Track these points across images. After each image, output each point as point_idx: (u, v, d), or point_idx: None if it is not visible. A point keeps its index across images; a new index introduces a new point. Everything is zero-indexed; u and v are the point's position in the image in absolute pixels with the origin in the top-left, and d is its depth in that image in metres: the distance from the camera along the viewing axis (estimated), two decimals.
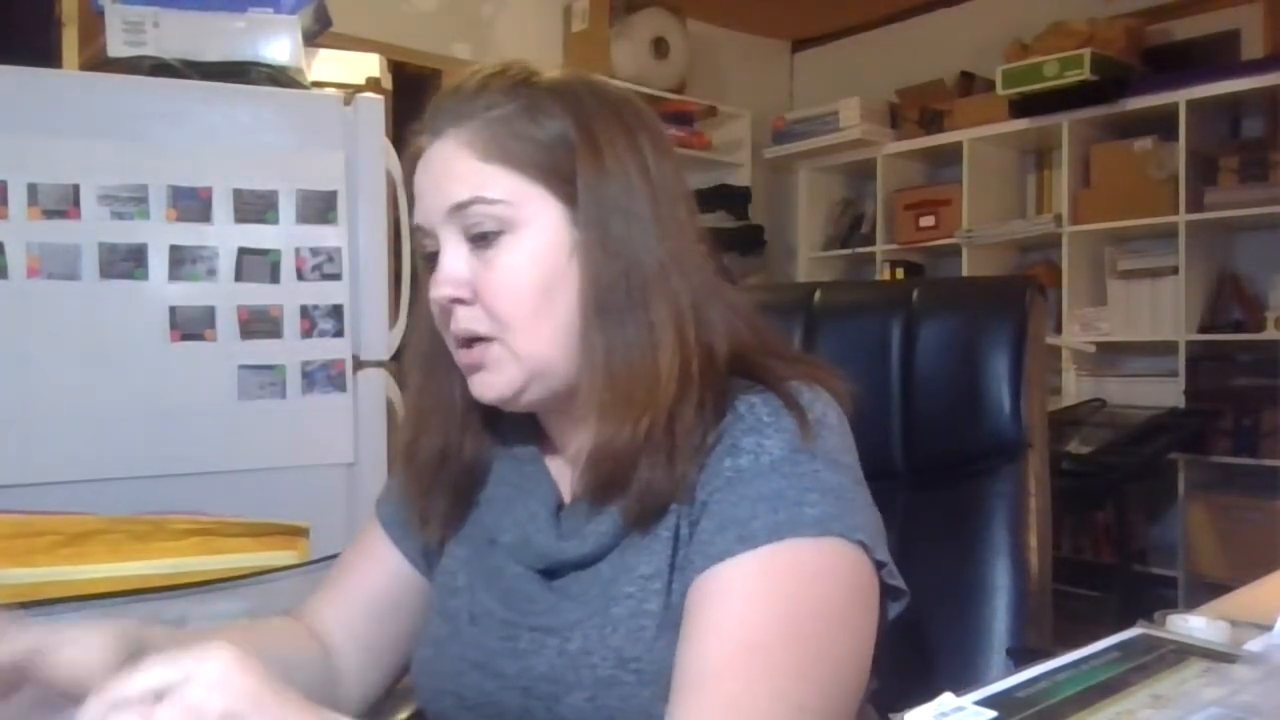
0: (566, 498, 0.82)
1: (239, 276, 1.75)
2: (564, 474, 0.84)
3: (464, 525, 0.87)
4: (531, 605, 0.79)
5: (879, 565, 0.73)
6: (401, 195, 1.96)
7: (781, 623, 0.67)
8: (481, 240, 0.76)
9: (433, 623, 0.86)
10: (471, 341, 0.77)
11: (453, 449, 0.85)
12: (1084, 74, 3.31)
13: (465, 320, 0.76)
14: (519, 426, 0.85)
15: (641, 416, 0.73)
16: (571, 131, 0.76)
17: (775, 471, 0.71)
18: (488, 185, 0.75)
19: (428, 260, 0.80)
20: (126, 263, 1.67)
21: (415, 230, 0.81)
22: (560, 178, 0.76)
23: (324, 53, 2.02)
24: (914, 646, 0.98)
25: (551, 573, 0.79)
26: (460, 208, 0.76)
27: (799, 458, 0.72)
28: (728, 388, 0.76)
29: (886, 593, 0.75)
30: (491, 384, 0.77)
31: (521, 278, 0.75)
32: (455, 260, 0.76)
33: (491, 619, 0.81)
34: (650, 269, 0.75)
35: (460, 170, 0.76)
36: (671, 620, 0.71)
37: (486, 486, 0.86)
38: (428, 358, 0.85)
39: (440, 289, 0.76)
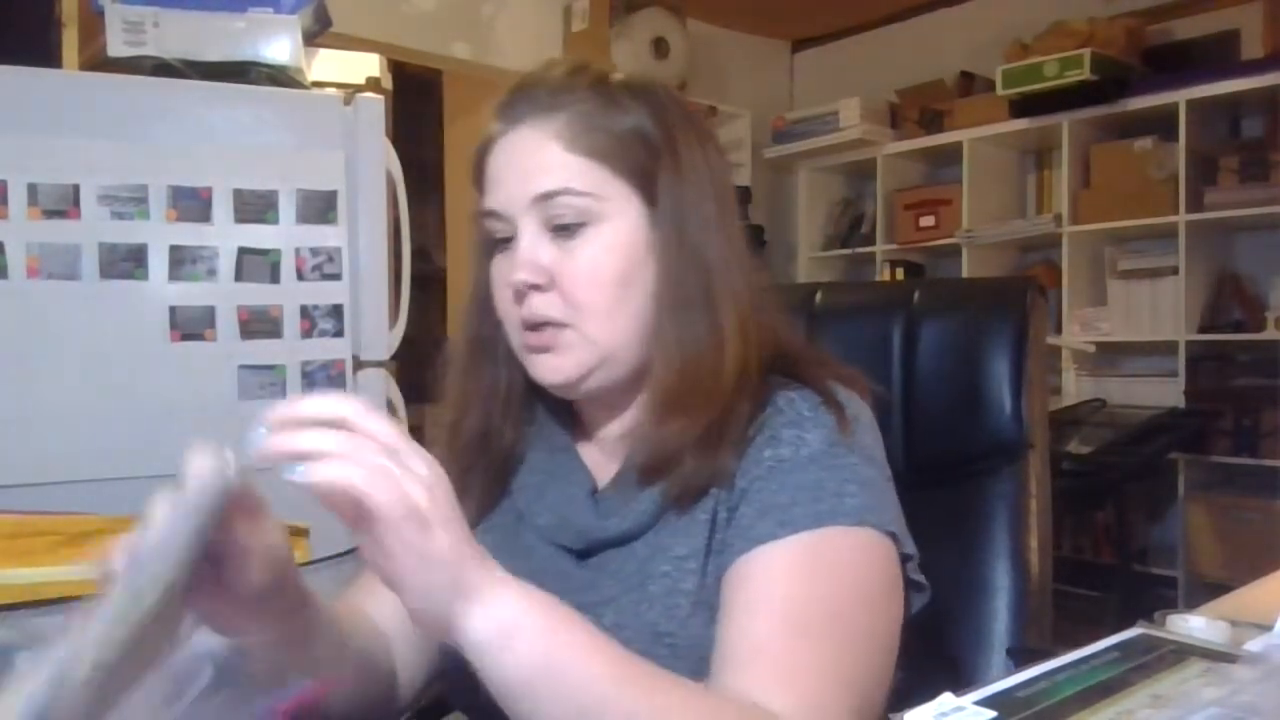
0: (600, 483, 0.85)
1: (239, 276, 1.75)
2: (596, 461, 0.86)
3: (494, 512, 0.89)
4: (565, 584, 0.80)
5: (904, 559, 0.77)
6: (402, 195, 1.97)
7: (824, 603, 0.70)
8: (563, 230, 0.78)
9: None
10: (540, 325, 0.79)
11: (494, 432, 0.87)
12: (1084, 74, 3.31)
13: (539, 305, 0.78)
14: (553, 416, 0.88)
15: (705, 408, 0.77)
16: (654, 132, 0.80)
17: (815, 463, 0.75)
18: (577, 177, 0.78)
19: (495, 245, 0.82)
20: (126, 263, 1.67)
21: (486, 214, 0.82)
22: (640, 175, 0.79)
23: (324, 53, 2.02)
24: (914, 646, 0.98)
25: (585, 553, 0.82)
26: (547, 197, 0.78)
27: (837, 451, 0.76)
28: (767, 383, 0.80)
29: (909, 586, 0.78)
30: (559, 367, 0.79)
31: (602, 268, 0.78)
32: (535, 247, 0.78)
33: None
34: (717, 269, 0.79)
35: (549, 160, 0.78)
36: (705, 600, 0.74)
37: (519, 474, 0.88)
38: (476, 341, 0.87)
39: (518, 273, 0.78)
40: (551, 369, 0.80)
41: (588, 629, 0.65)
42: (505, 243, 0.80)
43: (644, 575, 0.77)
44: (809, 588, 0.71)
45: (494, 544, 0.86)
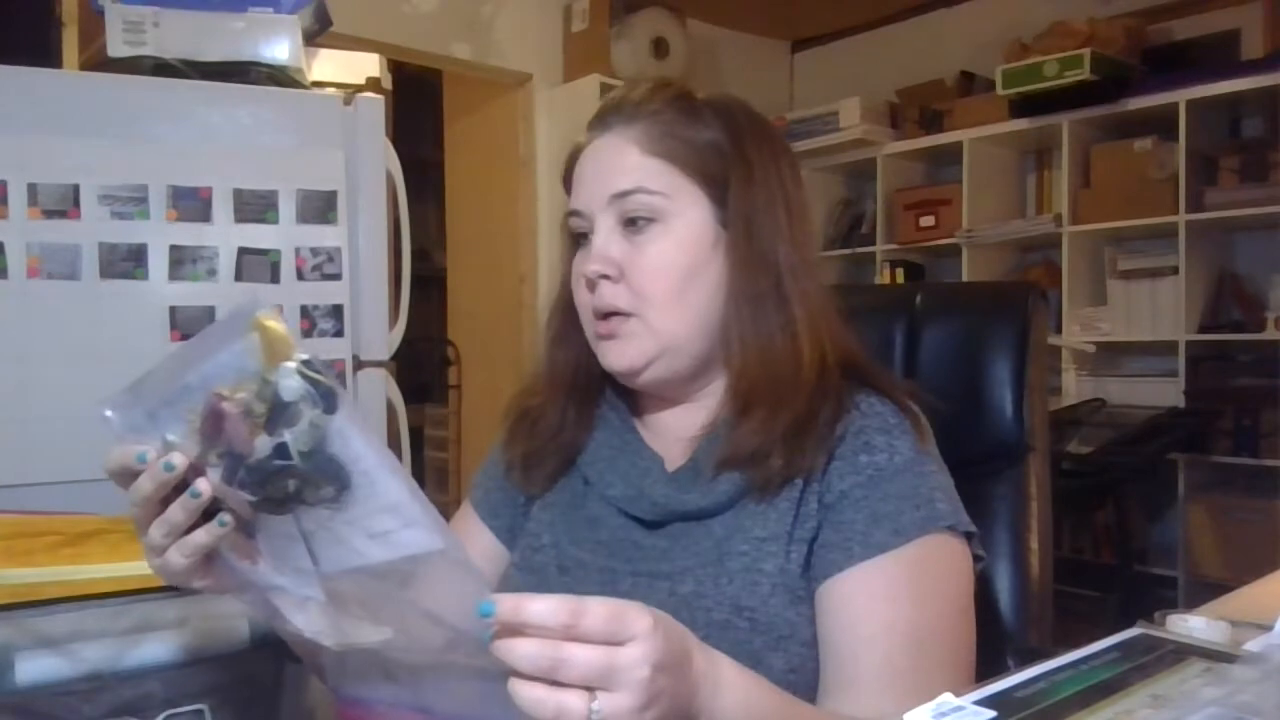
0: (668, 467, 0.88)
1: (239, 276, 1.75)
2: (657, 447, 0.90)
3: (555, 489, 0.93)
4: (636, 552, 0.85)
5: (975, 559, 0.84)
6: (402, 195, 1.97)
7: (940, 618, 0.77)
8: (633, 225, 0.85)
9: (512, 580, 0.90)
10: (609, 315, 0.85)
11: (570, 415, 0.92)
12: (1084, 74, 3.31)
13: (609, 295, 0.84)
14: (616, 408, 0.93)
15: (787, 401, 0.81)
16: (726, 144, 0.86)
17: (909, 470, 0.80)
18: (650, 178, 0.84)
19: (575, 240, 0.89)
20: (126, 263, 1.67)
21: (570, 215, 0.89)
22: (711, 180, 0.86)
23: (324, 53, 2.02)
24: None
25: (656, 524, 0.85)
26: (622, 195, 0.84)
27: (923, 458, 0.82)
28: (846, 385, 0.85)
29: None
30: (624, 353, 0.85)
31: (667, 262, 0.84)
32: (609, 241, 0.85)
33: (584, 568, 0.86)
34: (786, 271, 0.85)
35: (626, 162, 0.85)
36: (786, 583, 0.79)
37: (586, 451, 0.92)
38: (561, 331, 0.94)
39: (591, 265, 0.84)
40: (617, 354, 0.85)
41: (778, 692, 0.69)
42: (585, 238, 0.87)
43: (721, 552, 0.81)
44: (924, 604, 0.76)
45: (550, 520, 0.91)
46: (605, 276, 0.84)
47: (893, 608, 0.76)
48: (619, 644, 0.56)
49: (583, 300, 0.87)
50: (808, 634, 0.78)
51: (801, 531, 0.80)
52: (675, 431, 0.89)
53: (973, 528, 0.82)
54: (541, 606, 0.54)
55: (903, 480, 0.80)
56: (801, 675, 0.77)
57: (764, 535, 0.80)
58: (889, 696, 0.73)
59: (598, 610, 0.55)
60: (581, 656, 0.54)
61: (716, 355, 0.87)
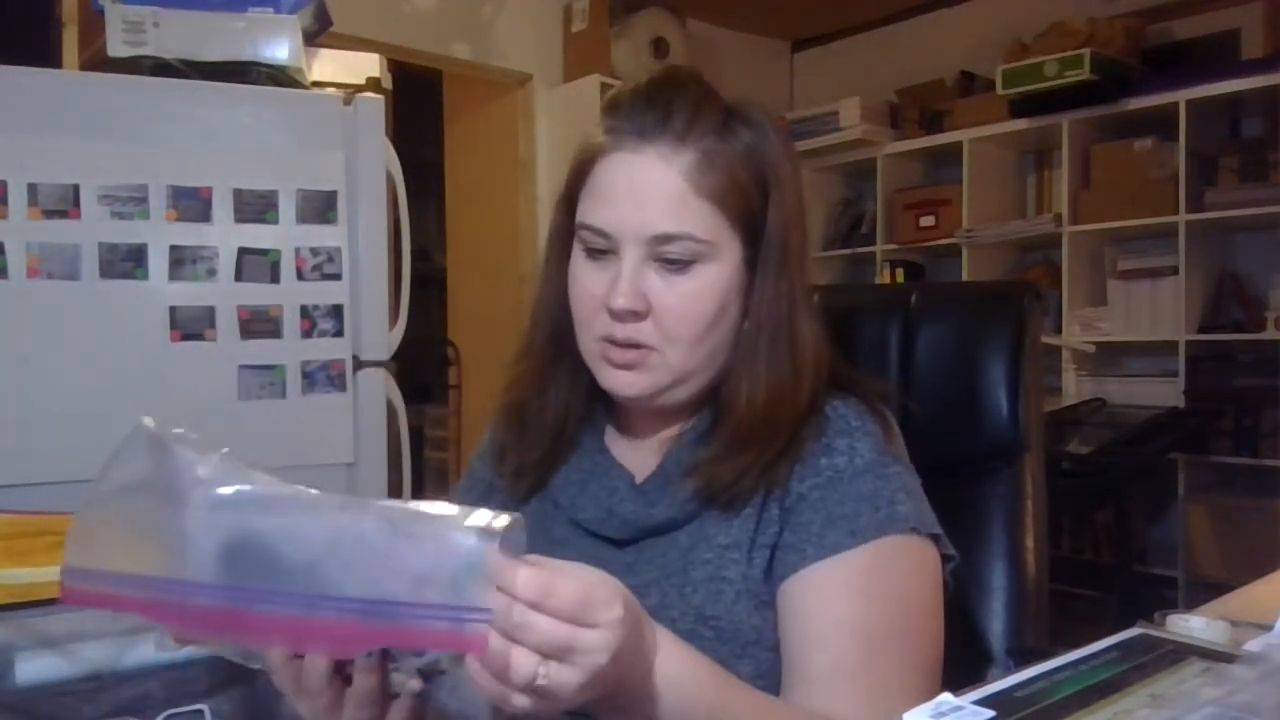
0: (638, 478, 0.87)
1: (239, 276, 1.75)
2: (629, 456, 0.89)
3: (524, 512, 0.90)
4: (604, 569, 0.82)
5: (944, 559, 0.83)
6: (402, 195, 1.96)
7: (893, 618, 0.76)
8: (670, 265, 0.81)
9: None
10: (628, 345, 0.82)
11: (570, 420, 0.90)
12: (1084, 74, 3.31)
13: (633, 331, 0.81)
14: (593, 428, 0.92)
15: (776, 440, 0.81)
16: (764, 171, 0.83)
17: (869, 472, 0.80)
18: (698, 224, 0.80)
19: (587, 253, 0.83)
20: (126, 263, 1.67)
21: (585, 227, 0.83)
22: (748, 221, 0.82)
23: (324, 53, 2.02)
24: None
25: (626, 541, 0.85)
26: (667, 239, 0.80)
27: (886, 460, 0.81)
28: (821, 396, 0.84)
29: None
30: (635, 383, 0.83)
31: (699, 305, 0.81)
32: (640, 275, 0.81)
33: None
34: (800, 310, 0.84)
35: (676, 201, 0.80)
36: (749, 589, 0.79)
37: (559, 473, 0.91)
38: (559, 338, 0.89)
39: (619, 299, 0.80)
40: (627, 384, 0.83)
41: (717, 668, 0.69)
42: (600, 254, 0.82)
43: (686, 562, 0.81)
44: (879, 603, 0.76)
45: (527, 539, 0.90)
46: (634, 313, 0.80)
47: (845, 607, 0.76)
48: (587, 625, 0.56)
49: (589, 318, 0.84)
50: (773, 639, 0.78)
51: (764, 537, 0.80)
52: (650, 437, 0.89)
53: (937, 530, 0.81)
54: (517, 577, 0.55)
55: (862, 482, 0.79)
56: (769, 681, 0.77)
57: (727, 542, 0.80)
58: (840, 694, 0.73)
59: (567, 591, 0.56)
60: (547, 627, 0.55)
61: (715, 380, 0.85)
